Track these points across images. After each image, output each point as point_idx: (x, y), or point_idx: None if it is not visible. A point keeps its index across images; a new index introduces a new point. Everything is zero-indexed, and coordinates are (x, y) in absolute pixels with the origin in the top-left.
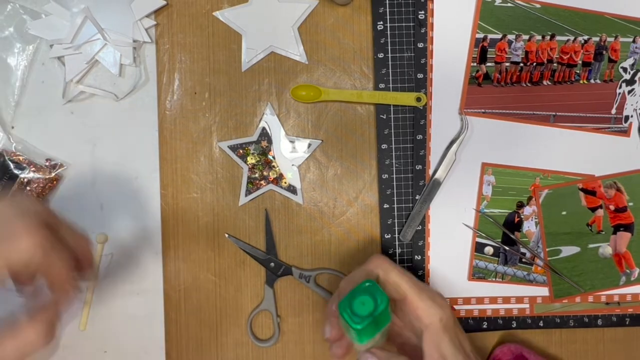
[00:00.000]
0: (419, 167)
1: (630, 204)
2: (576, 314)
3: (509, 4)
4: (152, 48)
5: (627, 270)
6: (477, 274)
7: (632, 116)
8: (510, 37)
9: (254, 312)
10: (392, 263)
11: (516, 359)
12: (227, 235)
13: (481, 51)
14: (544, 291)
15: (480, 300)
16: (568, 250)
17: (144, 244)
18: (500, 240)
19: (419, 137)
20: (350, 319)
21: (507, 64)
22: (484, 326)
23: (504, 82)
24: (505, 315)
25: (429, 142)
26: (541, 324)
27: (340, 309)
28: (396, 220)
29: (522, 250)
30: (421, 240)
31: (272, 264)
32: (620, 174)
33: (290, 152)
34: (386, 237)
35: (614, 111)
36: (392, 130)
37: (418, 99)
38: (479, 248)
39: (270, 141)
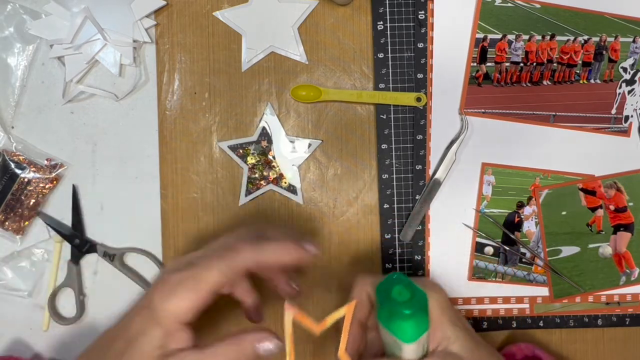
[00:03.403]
0: (419, 167)
1: (630, 204)
2: (576, 314)
3: (509, 4)
4: (152, 48)
5: (627, 270)
6: (477, 274)
7: (632, 116)
8: (510, 37)
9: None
10: (374, 275)
11: (526, 359)
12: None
13: (481, 51)
14: (544, 291)
15: (480, 301)
16: (568, 250)
17: (144, 244)
18: (500, 240)
19: (419, 137)
20: (398, 305)
21: (507, 64)
22: (484, 326)
23: (504, 82)
24: (505, 315)
25: (429, 142)
26: (541, 324)
27: (379, 299)
28: (396, 220)
29: (522, 250)
30: (421, 240)
31: (77, 241)
32: (620, 174)
33: (290, 152)
34: (386, 237)
35: (614, 111)
36: (392, 130)
37: (418, 99)
38: (479, 248)
39: (270, 141)
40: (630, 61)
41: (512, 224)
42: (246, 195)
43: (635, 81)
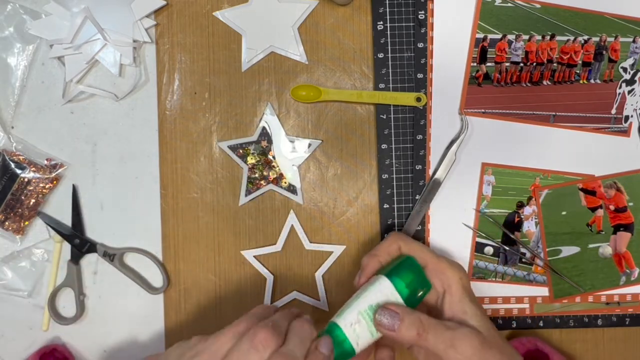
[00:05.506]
0: (419, 167)
1: (630, 204)
2: (576, 314)
3: (509, 4)
4: (152, 48)
5: (627, 270)
6: (477, 274)
7: (632, 116)
8: (510, 37)
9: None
10: (410, 238)
11: (529, 353)
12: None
13: (481, 51)
14: (544, 291)
15: (480, 301)
16: (568, 250)
17: (144, 244)
18: (500, 240)
19: (419, 137)
20: (398, 285)
21: (507, 64)
22: None
23: (504, 82)
24: (505, 315)
25: (429, 142)
26: (541, 324)
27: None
28: (396, 220)
29: (522, 250)
30: (421, 240)
31: (77, 241)
32: (620, 174)
33: (290, 152)
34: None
35: (614, 111)
36: (392, 130)
37: (418, 99)
38: (479, 248)
39: (270, 141)
40: (630, 61)
41: (512, 224)
42: (246, 195)
43: (635, 81)
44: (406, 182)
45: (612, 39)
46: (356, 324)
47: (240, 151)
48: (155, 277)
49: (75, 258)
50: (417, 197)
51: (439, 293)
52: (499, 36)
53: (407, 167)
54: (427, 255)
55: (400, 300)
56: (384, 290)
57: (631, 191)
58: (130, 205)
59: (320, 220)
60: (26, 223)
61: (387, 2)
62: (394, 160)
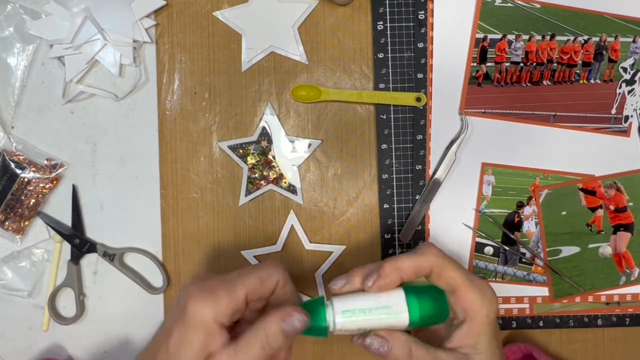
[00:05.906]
0: (419, 167)
1: (630, 204)
2: (576, 314)
3: (509, 4)
4: (152, 48)
5: (627, 270)
6: (477, 274)
7: (632, 116)
8: (510, 37)
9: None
10: (446, 256)
11: (525, 359)
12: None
13: (481, 51)
14: (544, 291)
15: None
16: (568, 250)
17: (144, 244)
18: (500, 240)
19: (419, 137)
20: (413, 318)
21: (507, 64)
22: None
23: (504, 82)
24: (505, 315)
25: (429, 142)
26: (541, 324)
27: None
28: (396, 220)
29: (522, 250)
30: (421, 240)
31: (77, 241)
32: (620, 174)
33: (290, 152)
34: (386, 237)
35: (614, 111)
36: (392, 130)
37: (418, 99)
38: (479, 248)
39: (270, 141)
40: (630, 61)
41: (512, 224)
42: (246, 195)
43: (635, 81)
44: (406, 182)
45: (612, 39)
46: (347, 332)
47: (240, 151)
48: (155, 277)
49: (75, 258)
50: (417, 197)
51: (459, 319)
52: (499, 36)
53: (407, 167)
54: (459, 280)
55: (403, 328)
56: (398, 323)
57: (631, 191)
58: (130, 205)
59: (320, 220)
60: (26, 223)
61: (387, 2)
62: (394, 160)
